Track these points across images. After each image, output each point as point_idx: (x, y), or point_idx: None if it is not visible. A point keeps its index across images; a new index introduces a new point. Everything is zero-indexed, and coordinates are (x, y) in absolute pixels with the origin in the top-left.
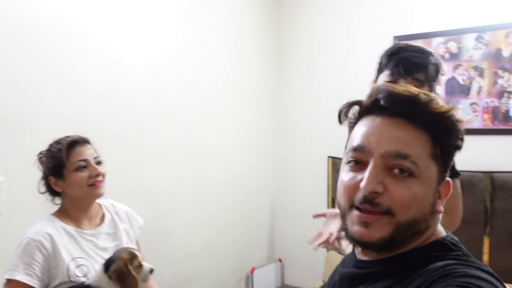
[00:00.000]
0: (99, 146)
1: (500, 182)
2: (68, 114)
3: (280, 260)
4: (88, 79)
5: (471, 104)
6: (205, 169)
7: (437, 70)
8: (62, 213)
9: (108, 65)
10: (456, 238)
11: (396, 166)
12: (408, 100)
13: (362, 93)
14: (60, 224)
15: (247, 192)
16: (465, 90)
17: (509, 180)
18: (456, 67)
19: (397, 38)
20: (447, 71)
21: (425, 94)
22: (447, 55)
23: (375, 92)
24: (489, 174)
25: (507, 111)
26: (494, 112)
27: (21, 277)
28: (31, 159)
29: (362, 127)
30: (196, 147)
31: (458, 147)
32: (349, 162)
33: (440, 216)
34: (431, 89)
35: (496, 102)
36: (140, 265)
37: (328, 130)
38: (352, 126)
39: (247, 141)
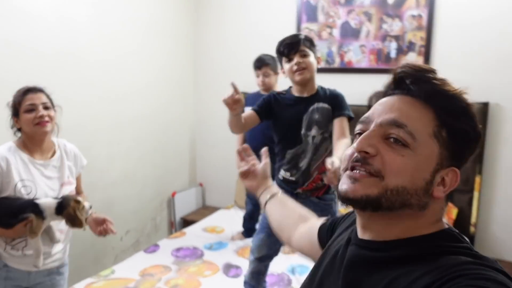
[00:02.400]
0: (9, 90)
1: None
2: None
3: (200, 185)
4: None
5: (361, 46)
6: (122, 104)
7: (311, 40)
8: (21, 143)
9: (12, 13)
10: (457, 231)
11: (391, 135)
12: (422, 74)
13: (272, 34)
14: (17, 151)
15: (166, 124)
16: (356, 33)
17: None
18: (349, 12)
19: None
20: (341, 15)
21: (437, 74)
22: (342, 0)
23: (396, 72)
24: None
25: (389, 53)
26: (379, 54)
27: None
28: None
29: (374, 105)
30: (112, 83)
31: (468, 134)
32: (355, 135)
33: (443, 204)
34: (315, 53)
35: (380, 45)
36: (83, 207)
37: (243, 67)
38: None
39: (166, 77)
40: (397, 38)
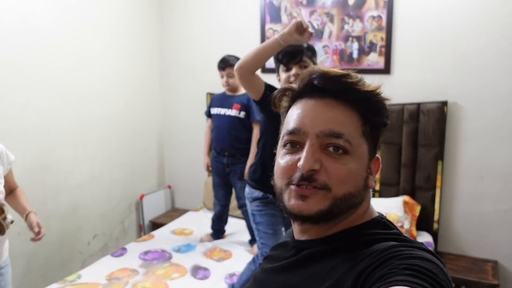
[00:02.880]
0: None
1: None
2: None
3: (169, 187)
4: None
5: (324, 46)
6: (86, 106)
7: (313, 50)
8: None
9: None
10: (386, 218)
11: (330, 145)
12: (339, 78)
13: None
14: None
15: (133, 126)
16: (319, 34)
17: None
18: (312, 13)
19: None
20: (304, 16)
21: (354, 74)
22: (304, 1)
23: (307, 74)
24: None
25: (351, 53)
26: (341, 54)
27: None
28: None
29: (296, 111)
30: (75, 84)
31: (385, 125)
32: (285, 145)
33: (371, 193)
34: (315, 63)
35: (343, 45)
36: (5, 217)
37: (207, 68)
38: (285, 111)
39: (131, 78)
40: (358, 38)
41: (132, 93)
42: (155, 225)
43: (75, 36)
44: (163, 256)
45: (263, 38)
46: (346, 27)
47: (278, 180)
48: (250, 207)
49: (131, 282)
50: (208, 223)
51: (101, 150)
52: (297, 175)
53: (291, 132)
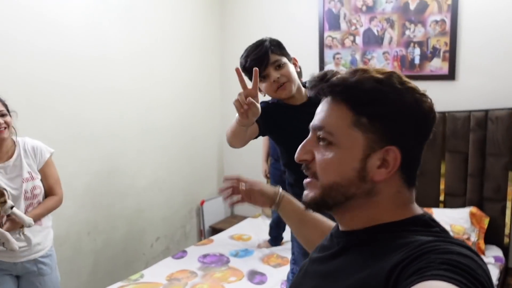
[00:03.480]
0: (49, 97)
1: None
2: (16, 73)
3: None
4: (33, 40)
5: (384, 53)
6: (151, 113)
7: (278, 43)
8: None
9: (49, 26)
10: (432, 217)
11: (319, 137)
12: (319, 79)
13: (295, 42)
14: None
15: (195, 133)
16: (379, 40)
17: None
18: (371, 19)
19: None
20: (364, 23)
21: (332, 70)
22: (364, 8)
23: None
24: None
25: (413, 59)
26: (402, 60)
27: None
28: None
29: None
30: (141, 92)
31: (384, 115)
32: None
33: (405, 189)
34: (288, 55)
35: (404, 51)
36: (5, 201)
37: None
38: None
39: (193, 87)
40: (420, 44)
41: (194, 102)
42: (215, 230)
43: (142, 48)
44: (221, 260)
45: (321, 46)
46: (407, 32)
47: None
48: None
49: (190, 284)
50: (266, 229)
51: (164, 156)
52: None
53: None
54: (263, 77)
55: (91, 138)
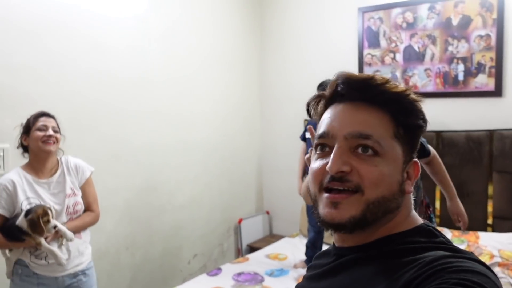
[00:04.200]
0: (92, 116)
1: (448, 140)
2: (63, 92)
3: (267, 213)
4: (79, 61)
5: (425, 69)
6: (190, 131)
7: None
8: (27, 166)
9: (94, 48)
10: (433, 225)
11: (359, 146)
12: (364, 82)
13: (332, 62)
14: (23, 173)
15: (234, 152)
16: (420, 57)
17: (455, 138)
18: (412, 36)
19: (361, 9)
20: (404, 39)
21: (380, 76)
22: (404, 25)
23: (334, 81)
24: (439, 133)
25: (456, 76)
26: (445, 77)
27: None
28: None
29: (327, 115)
30: (180, 110)
31: (421, 127)
32: (316, 148)
33: (412, 199)
34: None
35: (446, 68)
36: (48, 221)
37: (305, 96)
38: (319, 118)
39: (233, 104)
40: (464, 60)
41: (233, 121)
42: (253, 249)
43: (183, 68)
44: (255, 279)
45: (361, 64)
46: (450, 48)
47: (311, 185)
48: None
49: None
50: (303, 249)
51: (202, 173)
52: (327, 177)
53: (321, 136)
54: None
55: (130, 155)
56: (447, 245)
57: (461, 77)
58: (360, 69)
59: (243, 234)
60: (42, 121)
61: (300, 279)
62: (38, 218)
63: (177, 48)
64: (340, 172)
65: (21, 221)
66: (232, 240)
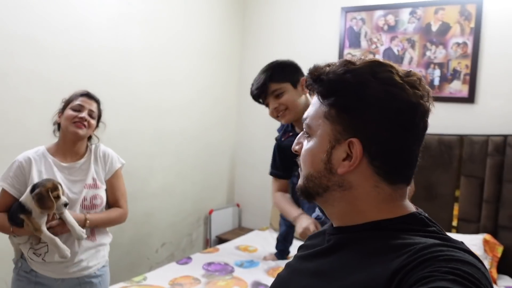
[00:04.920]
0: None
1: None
2: (38, 73)
3: (238, 205)
4: (56, 40)
5: None
6: (165, 120)
7: (281, 68)
8: (53, 147)
9: (72, 27)
10: (427, 214)
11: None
12: (310, 74)
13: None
14: (44, 154)
15: (208, 143)
16: (399, 60)
17: (428, 141)
18: (392, 39)
19: (344, 9)
20: (385, 41)
21: (320, 65)
22: (386, 27)
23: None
24: None
25: (432, 81)
26: None
27: (4, 185)
28: None
29: None
30: (157, 99)
31: (345, 107)
32: None
33: (410, 189)
34: (292, 79)
35: (423, 72)
36: (58, 196)
37: None
38: None
39: (210, 96)
40: (441, 65)
41: (209, 111)
42: (221, 240)
43: (163, 53)
44: (226, 269)
45: None
46: (428, 53)
47: None
48: None
49: None
50: (273, 243)
51: (176, 163)
52: None
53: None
54: (266, 105)
55: (105, 140)
56: (438, 234)
57: (436, 82)
58: None
59: (213, 225)
60: (80, 101)
61: (271, 272)
62: (47, 192)
63: (159, 34)
64: (296, 151)
65: (26, 197)
66: (201, 230)
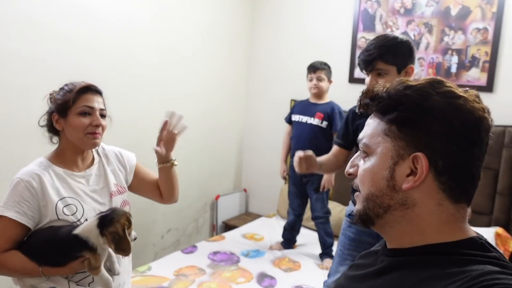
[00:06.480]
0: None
1: None
2: (43, 56)
3: (245, 190)
4: (60, 26)
5: (419, 59)
6: (173, 105)
7: (396, 50)
8: (56, 156)
9: (77, 12)
10: (486, 239)
11: (360, 150)
12: (362, 94)
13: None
14: (50, 166)
15: (215, 127)
16: (415, 45)
17: None
18: (409, 23)
19: None
20: (400, 25)
21: (371, 87)
22: (402, 10)
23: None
24: None
25: (449, 67)
26: (438, 68)
27: (11, 214)
28: None
29: None
30: (165, 84)
31: (403, 120)
32: None
33: (469, 211)
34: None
35: (440, 58)
36: (130, 233)
37: (294, 75)
38: None
39: (219, 80)
40: (459, 52)
41: (217, 95)
42: (228, 226)
43: (169, 37)
44: (231, 259)
45: (353, 47)
46: (446, 39)
47: None
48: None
49: (197, 281)
50: (280, 230)
51: (183, 147)
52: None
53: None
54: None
55: (112, 125)
56: (499, 260)
57: (454, 69)
58: (353, 52)
59: (219, 211)
60: (87, 100)
61: (277, 263)
62: (124, 231)
63: (166, 15)
64: (350, 174)
65: (88, 230)
66: (207, 216)
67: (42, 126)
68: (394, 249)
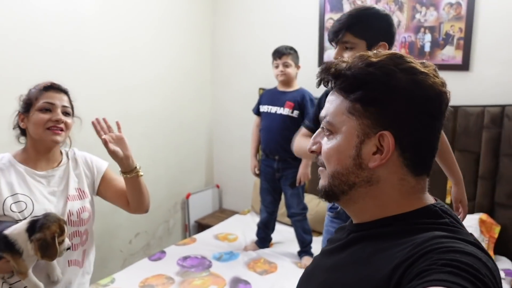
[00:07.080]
0: (21, 82)
1: None
2: None
3: (217, 186)
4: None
5: None
6: (131, 99)
7: (364, 23)
8: (21, 154)
9: (13, 2)
10: (446, 206)
11: (323, 127)
12: (323, 70)
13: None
14: (12, 161)
15: (181, 121)
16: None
17: None
18: (378, 1)
19: None
20: (369, 3)
21: (334, 61)
22: None
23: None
24: None
25: (423, 46)
26: (411, 47)
27: None
28: None
29: None
30: (120, 76)
31: (379, 98)
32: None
33: (410, 177)
34: (375, 41)
35: (413, 37)
36: (63, 241)
37: (261, 62)
38: None
39: (180, 70)
40: (432, 29)
41: (180, 86)
42: (201, 226)
43: (121, 25)
44: (203, 264)
45: (321, 30)
46: (417, 16)
47: None
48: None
49: None
50: (255, 228)
51: (146, 144)
52: None
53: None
54: (334, 46)
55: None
56: (449, 226)
57: (427, 48)
58: (321, 34)
59: (191, 210)
60: (48, 97)
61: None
62: (53, 238)
63: (115, 7)
64: (313, 151)
65: (17, 233)
66: (179, 216)
67: (14, 128)
68: (357, 223)
